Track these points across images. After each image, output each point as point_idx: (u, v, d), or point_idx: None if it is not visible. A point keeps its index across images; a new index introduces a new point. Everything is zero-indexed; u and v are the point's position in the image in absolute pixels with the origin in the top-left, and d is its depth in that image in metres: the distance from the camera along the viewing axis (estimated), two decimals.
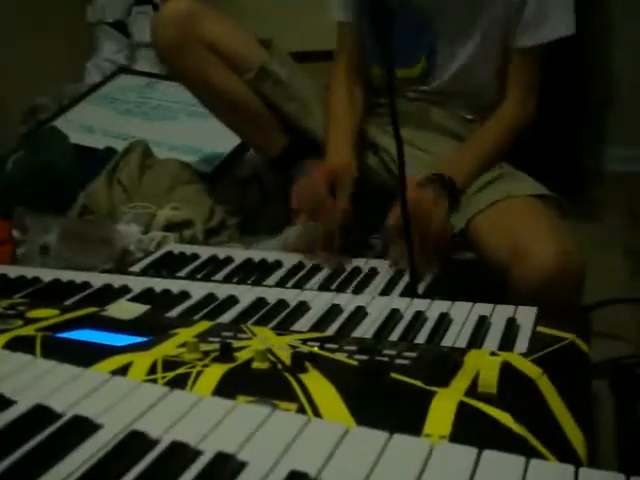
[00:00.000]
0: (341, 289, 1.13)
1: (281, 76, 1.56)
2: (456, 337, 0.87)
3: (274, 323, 0.94)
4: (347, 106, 1.47)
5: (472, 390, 0.65)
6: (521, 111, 1.40)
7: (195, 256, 1.31)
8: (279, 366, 0.70)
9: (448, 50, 1.39)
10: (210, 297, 1.04)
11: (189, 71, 1.57)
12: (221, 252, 1.32)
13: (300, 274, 1.21)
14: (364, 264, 1.23)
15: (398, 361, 0.72)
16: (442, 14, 1.36)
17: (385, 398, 0.66)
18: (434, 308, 0.95)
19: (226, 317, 0.97)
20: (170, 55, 1.56)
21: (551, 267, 1.05)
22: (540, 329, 0.86)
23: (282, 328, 0.91)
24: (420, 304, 0.97)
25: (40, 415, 0.55)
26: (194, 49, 1.53)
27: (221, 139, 1.87)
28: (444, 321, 0.91)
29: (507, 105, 1.40)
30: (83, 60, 2.64)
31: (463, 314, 0.93)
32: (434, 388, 0.65)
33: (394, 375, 0.68)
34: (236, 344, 0.76)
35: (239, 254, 1.30)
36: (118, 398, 0.58)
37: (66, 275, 1.15)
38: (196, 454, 0.50)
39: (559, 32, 1.33)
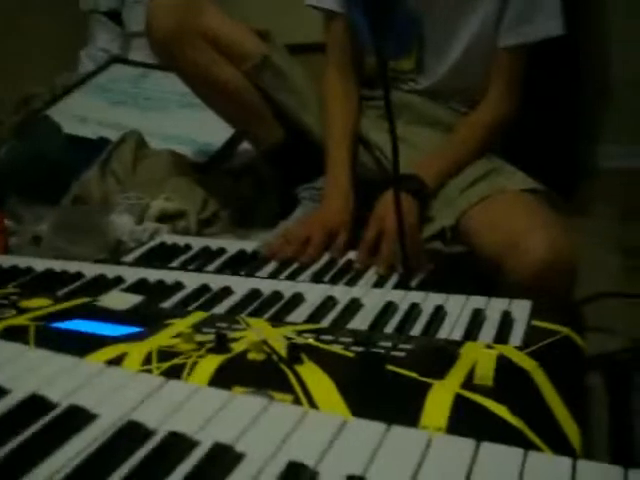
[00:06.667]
0: (334, 281, 1.13)
1: (281, 67, 1.55)
2: (451, 330, 0.87)
3: (269, 314, 0.93)
4: (342, 112, 1.45)
5: (468, 382, 0.65)
6: (502, 109, 1.38)
7: (188, 247, 1.31)
8: (275, 357, 0.70)
9: (440, 47, 1.38)
10: (204, 288, 1.03)
11: (185, 61, 1.55)
12: (214, 243, 1.32)
13: (293, 266, 1.20)
14: (356, 256, 1.22)
15: (394, 353, 0.72)
16: (431, 12, 1.35)
17: (381, 390, 0.66)
18: (429, 300, 0.95)
19: (221, 308, 0.97)
20: (166, 45, 1.54)
21: (542, 260, 1.06)
22: (535, 322, 0.87)
23: (277, 319, 0.91)
24: (415, 296, 0.97)
25: (36, 405, 0.54)
26: (190, 39, 1.51)
27: (215, 130, 1.87)
28: (439, 313, 0.91)
29: (487, 103, 1.39)
30: (76, 49, 2.62)
31: (458, 307, 0.93)
32: (430, 380, 0.65)
33: (390, 367, 0.68)
34: (231, 335, 0.76)
35: (232, 245, 1.30)
36: (114, 388, 0.57)
37: (59, 265, 1.15)
38: (193, 445, 0.50)
39: (544, 32, 1.32)
